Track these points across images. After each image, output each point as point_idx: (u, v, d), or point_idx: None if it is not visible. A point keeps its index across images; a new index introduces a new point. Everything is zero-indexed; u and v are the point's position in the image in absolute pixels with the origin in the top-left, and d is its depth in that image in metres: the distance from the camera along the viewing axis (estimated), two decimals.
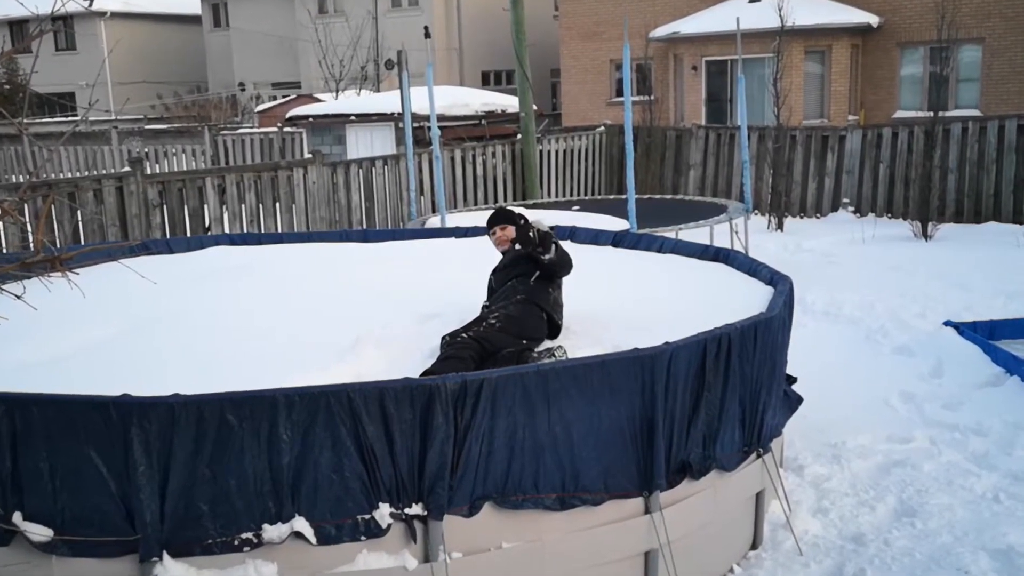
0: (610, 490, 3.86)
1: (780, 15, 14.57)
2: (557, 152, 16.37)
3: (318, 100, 25.26)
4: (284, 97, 30.95)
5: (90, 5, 34.21)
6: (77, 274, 5.53)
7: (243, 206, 11.73)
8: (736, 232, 11.27)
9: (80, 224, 10.47)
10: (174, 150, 22.34)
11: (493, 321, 4.64)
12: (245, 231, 11.47)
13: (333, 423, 3.38)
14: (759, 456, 4.56)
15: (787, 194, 15.01)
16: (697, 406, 4.07)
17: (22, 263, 3.37)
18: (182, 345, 4.76)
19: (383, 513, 3.48)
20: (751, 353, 4.29)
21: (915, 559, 4.46)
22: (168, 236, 10.69)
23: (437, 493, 3.51)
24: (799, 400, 5.30)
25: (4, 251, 9.71)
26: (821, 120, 20.63)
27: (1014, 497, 5.01)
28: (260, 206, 11.88)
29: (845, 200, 15.00)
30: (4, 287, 3.38)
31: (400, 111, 15.07)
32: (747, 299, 5.23)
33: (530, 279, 4.92)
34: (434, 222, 10.96)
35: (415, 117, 13.41)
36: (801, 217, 15.27)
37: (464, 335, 4.50)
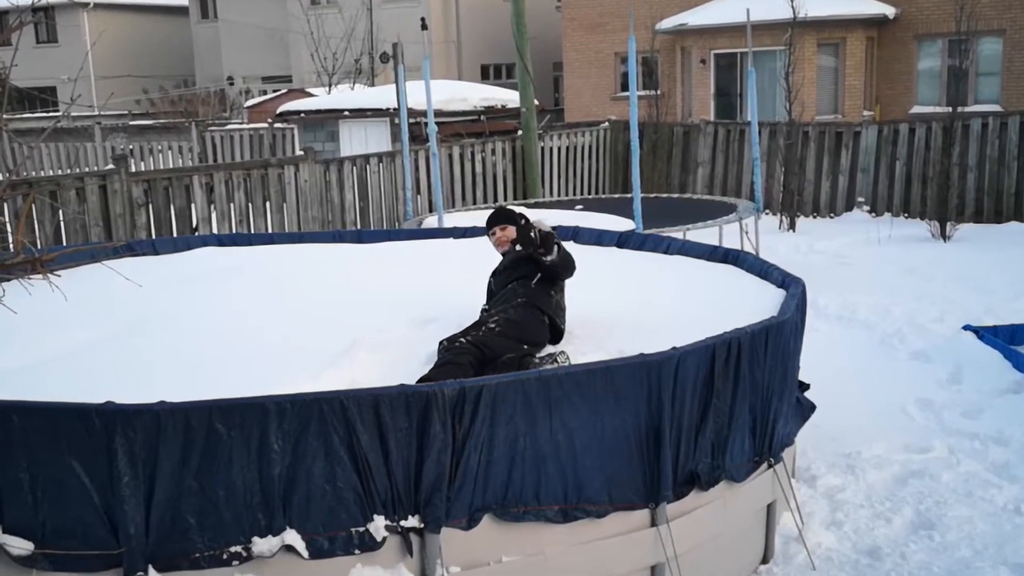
0: (615, 501, 3.86)
1: (792, 6, 14.58)
2: (559, 149, 16.38)
3: (310, 95, 25.26)
4: (275, 92, 30.95)
5: None
6: (59, 276, 5.54)
7: (232, 205, 11.74)
8: (746, 232, 11.27)
9: (62, 224, 10.48)
10: (160, 147, 22.35)
11: (493, 325, 4.65)
12: (234, 231, 11.47)
13: (326, 432, 3.38)
14: (770, 466, 4.56)
15: (799, 193, 15.02)
16: (705, 414, 4.07)
17: (1, 265, 3.37)
18: (168, 350, 4.76)
19: (378, 526, 3.48)
20: (762, 359, 4.29)
21: (933, 574, 4.46)
22: (154, 237, 10.69)
23: (434, 505, 3.51)
24: (812, 408, 5.30)
25: None
26: (835, 116, 20.64)
27: None
28: (250, 205, 11.89)
29: (860, 199, 15.01)
30: None
31: (396, 106, 15.07)
32: (758, 302, 5.23)
33: (531, 281, 4.92)
34: (431, 222, 10.96)
35: (411, 112, 13.43)
36: (814, 217, 15.27)
37: (462, 340, 4.50)
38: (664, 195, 14.06)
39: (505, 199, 15.16)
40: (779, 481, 4.59)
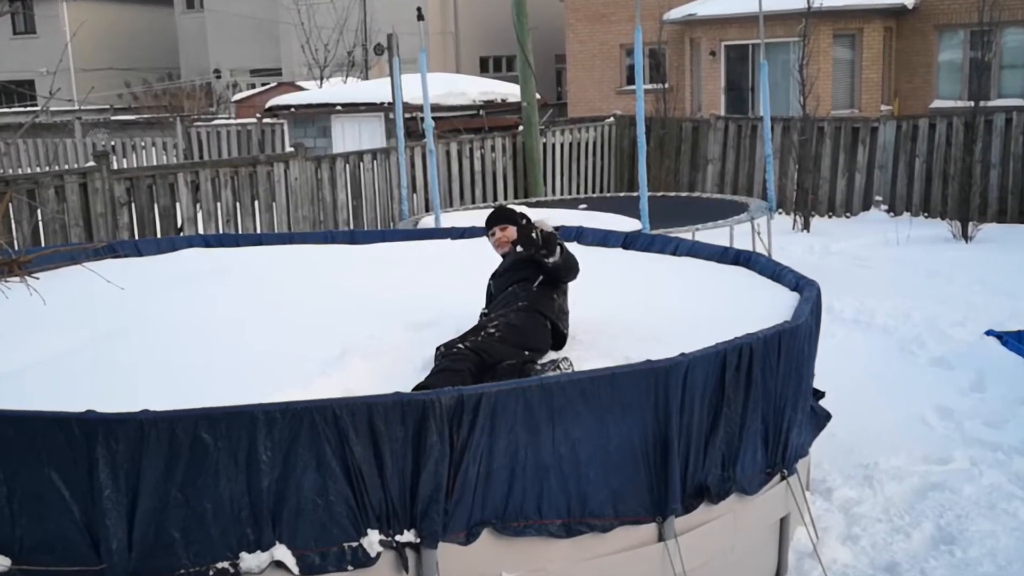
0: (620, 515, 3.86)
1: None
2: (562, 145, 16.39)
3: (301, 88, 25.29)
4: (263, 85, 30.97)
5: None
6: (37, 279, 5.54)
7: (219, 204, 11.75)
8: (758, 233, 11.28)
9: (40, 224, 10.48)
10: (143, 143, 22.37)
11: (492, 330, 4.65)
12: (221, 232, 11.47)
13: (317, 442, 3.38)
14: (783, 478, 4.56)
15: (814, 191, 15.03)
16: (716, 423, 4.07)
17: None
18: (152, 357, 4.77)
19: (372, 540, 3.48)
20: (775, 365, 4.29)
21: None
22: (136, 237, 10.70)
23: (431, 518, 3.51)
24: (827, 417, 5.30)
25: None
26: (851, 110, 20.66)
27: None
28: (237, 204, 11.90)
29: (878, 198, 15.01)
30: None
31: (390, 100, 15.08)
32: (770, 306, 5.24)
33: (533, 284, 4.92)
34: (428, 222, 10.96)
35: (407, 107, 13.43)
36: (829, 217, 15.28)
37: (460, 345, 4.50)
38: (672, 194, 14.06)
39: (505, 198, 15.17)
40: (793, 494, 4.59)
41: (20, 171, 21.58)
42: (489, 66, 33.20)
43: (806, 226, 14.18)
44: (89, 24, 32.47)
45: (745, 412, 4.18)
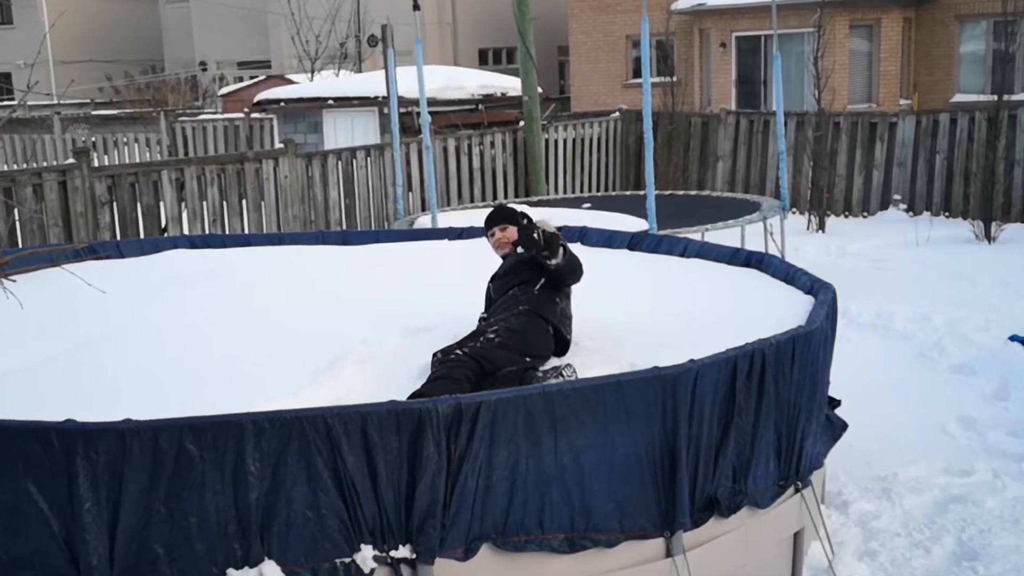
0: (626, 530, 3.87)
1: None
2: (565, 141, 16.40)
3: (291, 82, 25.29)
4: (251, 78, 30.97)
5: None
6: (14, 281, 5.54)
7: (205, 203, 11.75)
8: (771, 233, 11.29)
9: (17, 224, 10.49)
10: (125, 139, 22.37)
11: (492, 335, 4.65)
12: (207, 232, 11.48)
13: (308, 453, 3.38)
14: (797, 491, 4.56)
15: (829, 190, 15.03)
16: (726, 434, 4.07)
17: None
18: (135, 363, 4.77)
19: (365, 556, 3.48)
20: (788, 373, 4.30)
21: None
22: (119, 238, 10.70)
23: (427, 533, 3.51)
24: (843, 426, 5.30)
25: None
26: (868, 105, 20.66)
27: None
28: (224, 203, 11.90)
29: (896, 197, 15.01)
30: None
31: (385, 94, 15.09)
32: (784, 310, 5.24)
33: (534, 287, 4.93)
34: (424, 222, 10.97)
35: (402, 101, 13.44)
36: (846, 216, 15.29)
37: (458, 351, 4.51)
38: (680, 192, 14.07)
39: (505, 197, 15.18)
40: (807, 507, 4.59)
41: None
42: (488, 58, 33.20)
43: (821, 226, 14.18)
44: (69, 14, 32.50)
45: (757, 422, 4.18)
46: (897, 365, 7.83)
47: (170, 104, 28.82)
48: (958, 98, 20.58)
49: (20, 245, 10.13)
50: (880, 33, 21.00)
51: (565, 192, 16.07)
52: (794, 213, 14.45)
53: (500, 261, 5.35)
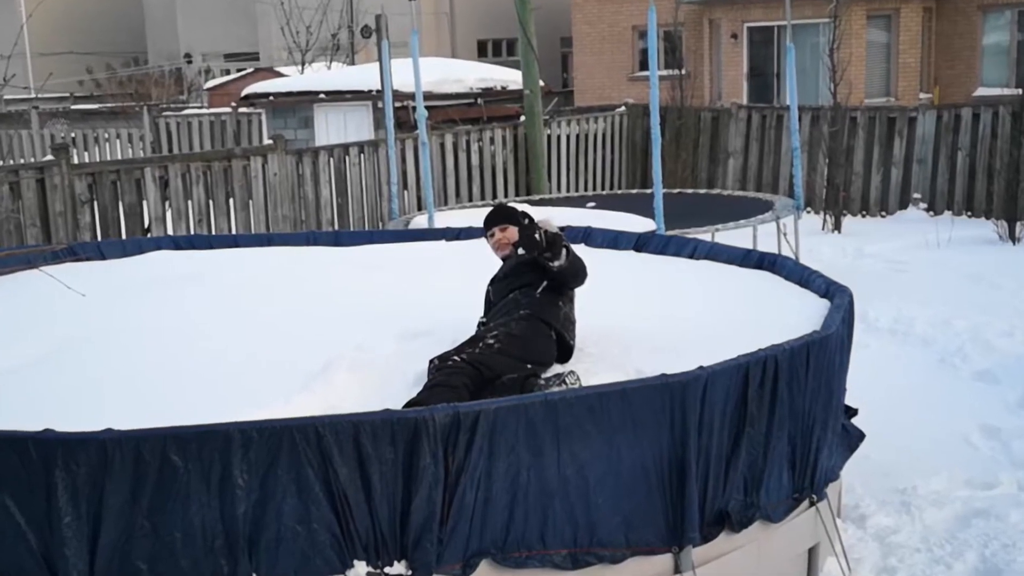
0: (632, 545, 3.87)
1: None
2: (568, 137, 16.41)
3: (280, 75, 25.32)
4: (239, 71, 31.02)
5: None
6: None
7: (190, 202, 11.75)
8: (784, 234, 11.29)
9: None
10: (106, 135, 22.39)
11: (491, 341, 4.65)
12: (192, 232, 11.49)
13: (298, 464, 3.39)
14: (812, 504, 4.56)
15: (846, 188, 15.03)
16: (737, 444, 4.08)
17: None
18: (116, 370, 4.77)
19: (359, 572, 3.48)
20: (803, 380, 4.30)
21: None
22: (99, 238, 10.70)
23: (424, 548, 3.51)
24: (860, 436, 5.30)
25: None
26: (887, 99, 20.68)
27: None
28: (210, 202, 11.91)
29: (916, 195, 15.02)
30: None
31: (379, 88, 15.10)
32: (798, 315, 5.24)
33: (536, 291, 4.93)
34: (420, 222, 10.97)
35: (397, 95, 13.43)
36: (863, 216, 15.29)
37: (456, 358, 4.51)
38: (689, 190, 14.07)
39: (506, 195, 15.18)
40: (822, 521, 4.59)
41: None
42: (488, 50, 33.23)
43: (837, 226, 14.18)
44: (47, 3, 32.49)
45: (770, 432, 4.18)
46: (917, 372, 7.83)
47: (154, 98, 28.87)
48: (981, 92, 20.58)
49: None
50: (899, 23, 21.01)
51: (568, 191, 16.07)
52: (809, 212, 14.45)
53: (500, 263, 5.35)
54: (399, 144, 13.29)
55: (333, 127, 18.13)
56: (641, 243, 7.33)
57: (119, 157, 21.07)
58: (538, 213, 5.43)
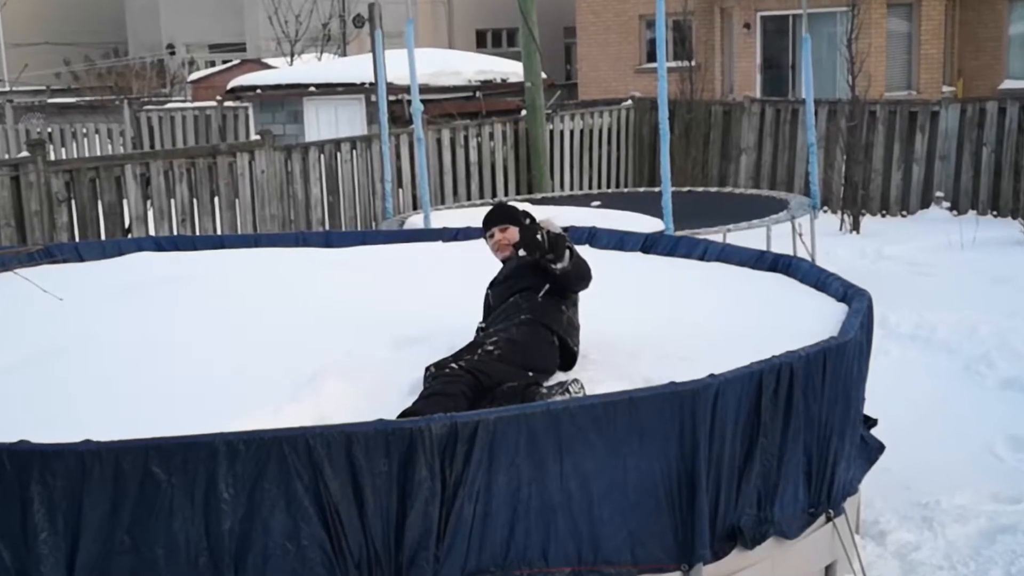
0: (639, 562, 3.87)
1: None
2: (572, 133, 16.41)
3: (268, 67, 25.35)
4: (224, 63, 31.03)
5: None
6: None
7: (173, 201, 11.76)
8: (800, 234, 11.29)
9: None
10: (85, 130, 22.41)
11: (491, 348, 4.66)
12: (175, 233, 11.49)
13: (287, 477, 3.39)
14: (829, 519, 4.56)
15: (865, 186, 15.04)
16: (750, 456, 4.08)
17: None
18: (95, 379, 4.77)
19: None
20: (819, 389, 4.30)
21: None
22: (77, 239, 10.71)
23: (419, 566, 3.52)
24: (880, 448, 5.30)
25: None
26: (908, 92, 20.69)
27: None
28: (194, 201, 11.91)
29: (939, 194, 15.02)
30: None
31: (372, 81, 15.10)
32: (814, 319, 5.25)
33: (538, 294, 4.93)
34: (415, 222, 10.98)
35: (392, 88, 13.45)
36: (882, 215, 15.29)
37: (454, 365, 4.51)
38: (700, 189, 14.07)
39: (506, 194, 15.19)
40: (840, 537, 4.59)
41: None
42: (487, 41, 33.26)
43: (855, 226, 14.18)
44: None
45: (784, 443, 4.18)
46: (940, 380, 7.82)
47: (134, 91, 28.90)
48: (1007, 84, 20.60)
49: None
50: (921, 13, 21.02)
51: (572, 189, 16.07)
52: (825, 212, 14.45)
53: (500, 265, 5.35)
54: (393, 140, 13.30)
55: (324, 122, 18.14)
56: (649, 244, 7.33)
57: (98, 153, 21.07)
58: (540, 212, 5.44)
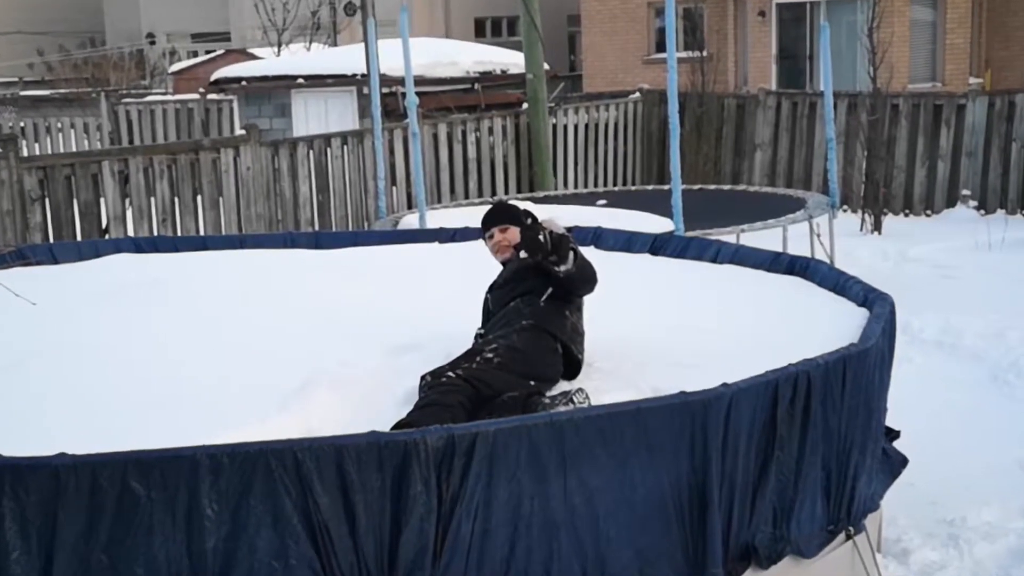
0: None
1: None
2: (576, 127, 16.42)
3: (254, 57, 25.36)
4: (208, 53, 31.04)
5: None
6: None
7: (153, 200, 11.76)
8: (818, 235, 11.30)
9: None
10: (59, 124, 22.42)
11: (490, 355, 4.66)
12: (155, 234, 11.50)
13: (274, 492, 3.39)
14: (849, 537, 4.57)
15: (887, 184, 15.04)
16: (765, 470, 4.08)
17: None
18: (71, 388, 4.77)
19: None
20: (838, 399, 4.30)
21: None
22: (52, 240, 10.71)
23: None
24: (903, 462, 5.31)
25: None
26: (933, 84, 20.70)
27: None
28: (176, 200, 11.91)
29: (965, 192, 15.02)
30: None
31: (364, 72, 15.12)
32: (833, 325, 5.25)
33: (540, 299, 4.93)
34: (410, 221, 10.98)
35: (385, 80, 13.46)
36: (906, 215, 15.30)
37: (451, 374, 4.51)
38: (712, 187, 14.08)
39: (506, 192, 15.20)
40: (861, 556, 4.60)
41: None
42: (486, 30, 33.27)
43: (877, 227, 14.19)
44: None
45: (801, 456, 4.18)
46: (966, 390, 7.83)
47: (112, 83, 28.88)
48: None
49: None
50: (946, 0, 21.02)
51: (576, 187, 16.09)
52: (845, 211, 14.47)
53: (500, 268, 5.35)
54: (387, 135, 13.31)
55: (313, 116, 18.15)
56: (658, 245, 7.33)
57: (73, 149, 21.08)
58: (542, 212, 5.44)
